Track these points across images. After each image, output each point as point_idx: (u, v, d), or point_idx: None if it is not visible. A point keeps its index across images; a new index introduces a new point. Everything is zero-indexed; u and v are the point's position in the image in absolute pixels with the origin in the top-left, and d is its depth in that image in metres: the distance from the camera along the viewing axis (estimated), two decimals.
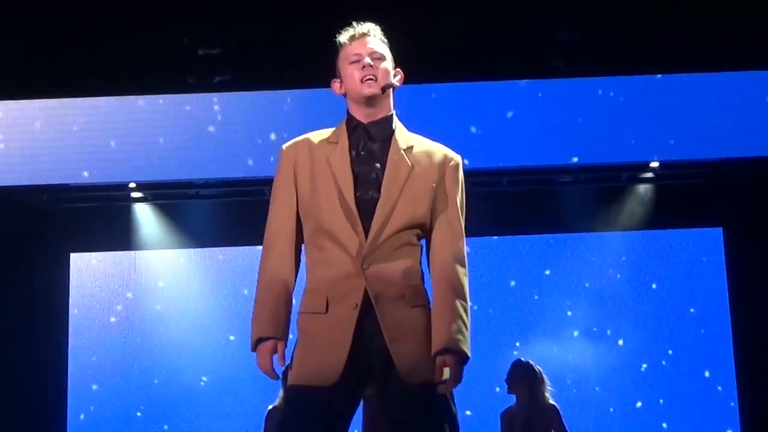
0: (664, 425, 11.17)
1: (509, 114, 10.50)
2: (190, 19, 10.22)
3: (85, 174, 10.54)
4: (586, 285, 11.39)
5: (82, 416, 11.09)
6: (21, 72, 10.09)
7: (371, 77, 4.02)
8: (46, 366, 10.98)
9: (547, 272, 11.47)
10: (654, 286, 11.41)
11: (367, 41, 4.10)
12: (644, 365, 11.32)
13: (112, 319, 11.28)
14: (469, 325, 3.98)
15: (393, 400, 3.95)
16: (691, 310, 11.27)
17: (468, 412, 9.40)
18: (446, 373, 3.87)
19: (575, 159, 10.53)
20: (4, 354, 10.70)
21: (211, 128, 10.51)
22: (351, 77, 4.04)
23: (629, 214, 11.36)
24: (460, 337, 3.92)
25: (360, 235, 3.92)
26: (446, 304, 3.95)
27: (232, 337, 10.82)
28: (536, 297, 11.40)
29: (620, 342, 11.35)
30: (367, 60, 4.04)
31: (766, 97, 10.39)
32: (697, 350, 11.24)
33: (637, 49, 10.39)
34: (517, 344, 11.17)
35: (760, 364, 10.80)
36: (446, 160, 4.10)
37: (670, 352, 11.28)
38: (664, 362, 11.28)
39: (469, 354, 3.94)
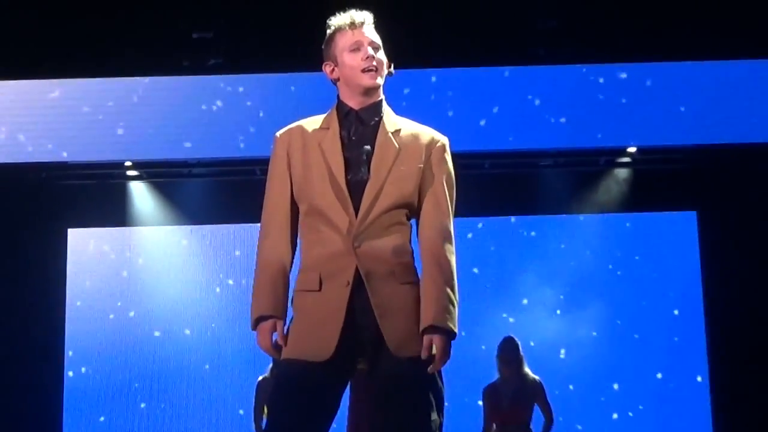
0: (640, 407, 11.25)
1: (493, 103, 10.50)
2: (184, 3, 10.23)
3: (82, 152, 10.53)
4: (571, 264, 11.41)
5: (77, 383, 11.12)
6: (22, 54, 10.14)
7: (372, 68, 4.01)
8: (43, 333, 10.98)
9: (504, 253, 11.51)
10: (621, 270, 11.43)
11: (365, 30, 4.06)
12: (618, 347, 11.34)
13: (107, 293, 11.25)
14: (456, 302, 3.96)
15: (382, 374, 3.94)
16: (666, 293, 11.26)
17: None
18: (433, 350, 3.87)
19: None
20: (4, 323, 10.71)
21: (204, 107, 10.52)
22: (351, 66, 4.02)
23: (607, 197, 11.39)
24: (447, 314, 3.90)
25: (351, 215, 3.93)
26: (433, 282, 3.93)
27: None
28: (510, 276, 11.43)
29: (592, 322, 11.34)
30: (370, 51, 4.03)
31: (740, 85, 10.39)
32: (670, 327, 11.28)
33: (617, 38, 10.45)
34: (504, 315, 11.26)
35: (732, 344, 10.84)
36: (433, 141, 4.08)
37: (637, 336, 11.31)
38: (636, 335, 11.33)
39: (456, 330, 3.92)
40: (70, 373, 11.13)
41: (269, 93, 10.00)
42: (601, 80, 10.59)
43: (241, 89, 10.47)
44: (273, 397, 4.05)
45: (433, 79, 10.46)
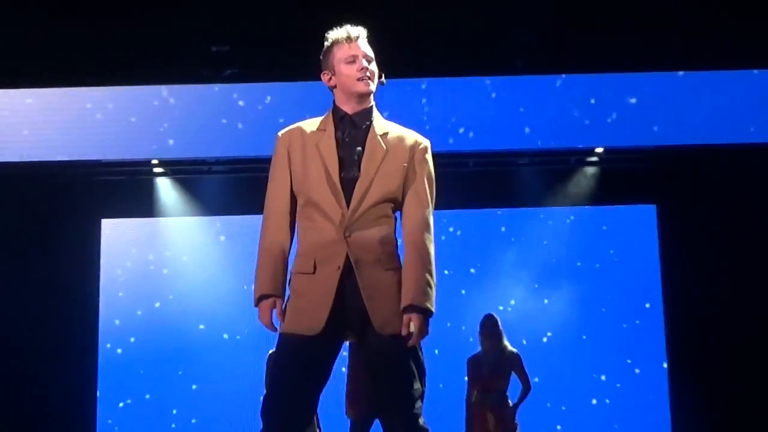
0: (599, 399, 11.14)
1: (477, 107, 10.49)
2: (204, 20, 10.25)
3: (114, 152, 10.55)
4: (545, 251, 11.36)
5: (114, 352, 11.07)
6: (66, 66, 10.16)
7: (366, 77, 4.05)
8: (80, 312, 11.00)
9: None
10: (589, 258, 11.39)
11: (359, 44, 4.09)
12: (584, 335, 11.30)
13: (136, 278, 11.24)
14: (434, 284, 4.01)
15: (369, 349, 4.00)
16: (629, 285, 11.23)
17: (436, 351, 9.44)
18: (412, 327, 3.91)
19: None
20: (46, 301, 10.66)
21: (220, 112, 10.54)
22: (347, 75, 4.05)
23: (577, 191, 11.39)
24: (425, 295, 3.95)
25: (343, 208, 3.97)
26: (413, 267, 3.98)
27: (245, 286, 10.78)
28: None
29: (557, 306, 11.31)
30: (364, 62, 4.05)
31: (695, 94, 10.39)
32: (628, 305, 11.25)
33: (585, 52, 10.43)
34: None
35: (689, 327, 10.87)
36: (416, 144, 4.12)
37: (603, 309, 11.28)
38: (604, 309, 11.27)
39: (433, 309, 3.98)
40: (108, 345, 11.09)
41: (277, 99, 9.99)
42: (571, 88, 10.55)
43: (252, 96, 10.45)
44: (272, 366, 4.16)
45: (423, 86, 10.42)
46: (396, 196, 4.06)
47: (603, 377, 11.10)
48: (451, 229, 11.27)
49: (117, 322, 11.10)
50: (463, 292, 11.19)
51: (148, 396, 11.05)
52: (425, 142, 4.15)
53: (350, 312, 3.96)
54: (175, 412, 11.05)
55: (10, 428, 10.52)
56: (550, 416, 10.87)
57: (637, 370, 11.09)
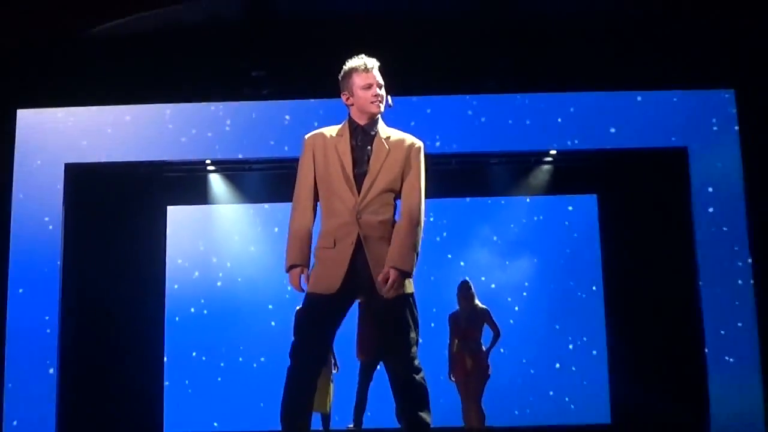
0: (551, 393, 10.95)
1: (459, 117, 10.52)
2: (245, 52, 10.33)
3: (177, 154, 10.58)
4: (494, 238, 11.34)
5: (177, 318, 11.06)
6: (139, 86, 10.32)
7: (378, 101, 4.12)
8: (149, 282, 11.01)
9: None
10: (543, 236, 11.28)
11: (374, 73, 4.15)
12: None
13: (194, 253, 11.28)
14: (417, 249, 4.04)
15: (375, 308, 4.07)
16: (574, 262, 11.21)
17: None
18: (389, 282, 3.94)
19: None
20: (122, 273, 10.80)
21: (258, 123, 10.49)
22: (364, 98, 4.11)
23: (535, 183, 11.42)
24: (406, 257, 3.99)
25: (356, 196, 4.04)
26: (400, 236, 4.03)
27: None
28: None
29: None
30: (377, 90, 4.12)
31: (628, 107, 10.40)
32: (574, 275, 11.13)
33: (545, 74, 10.47)
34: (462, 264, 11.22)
35: (627, 300, 10.82)
36: (412, 144, 4.17)
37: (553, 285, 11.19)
38: (557, 281, 11.24)
39: (410, 270, 4.01)
40: (177, 318, 11.09)
41: (303, 113, 10.00)
42: (532, 103, 10.54)
43: (285, 110, 10.45)
44: (298, 318, 4.17)
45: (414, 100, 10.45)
46: (396, 187, 4.11)
47: (553, 325, 11.01)
48: (432, 218, 11.25)
49: (176, 286, 11.08)
50: (449, 255, 11.19)
51: (204, 358, 11.03)
52: (419, 143, 4.20)
53: (361, 277, 4.02)
54: (222, 364, 11.01)
55: (95, 380, 10.55)
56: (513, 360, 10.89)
57: (575, 323, 11.05)
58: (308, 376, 4.05)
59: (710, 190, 10.17)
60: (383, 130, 4.20)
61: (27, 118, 10.40)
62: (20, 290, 9.97)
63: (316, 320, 4.06)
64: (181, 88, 10.39)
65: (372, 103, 4.12)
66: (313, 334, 4.06)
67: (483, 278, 10.81)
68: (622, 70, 10.26)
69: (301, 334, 4.08)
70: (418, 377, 4.04)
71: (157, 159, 10.62)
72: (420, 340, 4.20)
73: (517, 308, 11.04)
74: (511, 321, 10.71)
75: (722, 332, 9.86)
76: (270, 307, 11.02)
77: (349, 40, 9.21)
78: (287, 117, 10.25)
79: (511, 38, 10.26)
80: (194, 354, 10.98)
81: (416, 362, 4.05)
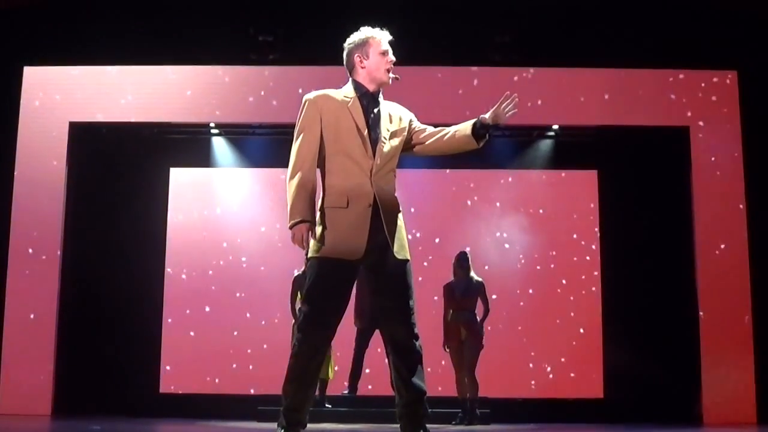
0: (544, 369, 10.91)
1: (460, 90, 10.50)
2: (254, 16, 10.33)
3: (181, 116, 10.60)
4: (498, 204, 11.25)
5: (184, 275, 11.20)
6: (147, 47, 10.37)
7: (391, 70, 4.13)
8: (152, 237, 11.01)
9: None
10: (544, 210, 11.15)
11: (389, 46, 4.16)
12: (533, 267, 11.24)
13: (195, 213, 11.24)
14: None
15: (385, 269, 3.99)
16: (574, 236, 11.17)
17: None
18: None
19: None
20: (129, 228, 10.83)
21: (264, 87, 10.53)
22: (379, 64, 4.11)
23: (536, 157, 11.41)
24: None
25: (371, 158, 4.00)
26: (454, 129, 4.16)
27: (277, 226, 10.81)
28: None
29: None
30: (393, 58, 4.15)
31: (632, 88, 10.42)
32: (574, 246, 11.08)
33: (548, 50, 10.46)
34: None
35: (620, 260, 10.88)
36: (409, 113, 4.24)
37: (554, 252, 11.11)
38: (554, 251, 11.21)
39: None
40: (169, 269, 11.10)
41: (309, 79, 9.95)
42: (536, 78, 10.54)
43: (289, 76, 10.44)
44: (311, 286, 3.98)
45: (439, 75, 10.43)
46: (398, 154, 4.14)
47: (548, 298, 10.92)
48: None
49: (181, 235, 11.04)
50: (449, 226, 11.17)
51: (207, 309, 11.01)
52: (411, 112, 4.27)
53: (376, 241, 3.96)
54: (227, 295, 10.93)
55: (102, 325, 10.63)
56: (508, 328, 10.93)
57: (571, 297, 10.95)
58: (323, 346, 4.00)
59: (711, 169, 10.23)
60: (384, 99, 4.21)
61: (33, 75, 10.43)
62: (27, 249, 10.13)
63: (335, 287, 3.96)
64: (188, 51, 10.45)
65: (386, 69, 4.11)
66: (333, 301, 3.96)
67: (480, 251, 10.74)
68: (626, 49, 10.27)
69: (319, 301, 3.95)
70: (417, 344, 4.00)
71: (162, 120, 10.63)
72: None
73: (508, 275, 10.95)
74: (497, 293, 10.66)
75: (718, 307, 10.00)
76: (262, 269, 10.99)
77: (355, 7, 9.26)
78: (293, 83, 10.23)
79: (515, 15, 10.30)
80: (188, 311, 10.96)
81: (416, 329, 4.00)
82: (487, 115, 4.09)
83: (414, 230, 10.63)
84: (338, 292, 3.97)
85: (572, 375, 10.79)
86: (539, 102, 10.42)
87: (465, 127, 4.11)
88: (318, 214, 4.01)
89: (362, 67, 4.12)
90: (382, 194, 3.98)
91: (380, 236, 3.96)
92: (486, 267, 10.35)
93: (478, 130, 4.09)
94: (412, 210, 10.66)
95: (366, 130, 4.02)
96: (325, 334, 3.98)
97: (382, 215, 3.96)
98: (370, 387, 9.80)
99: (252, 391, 10.52)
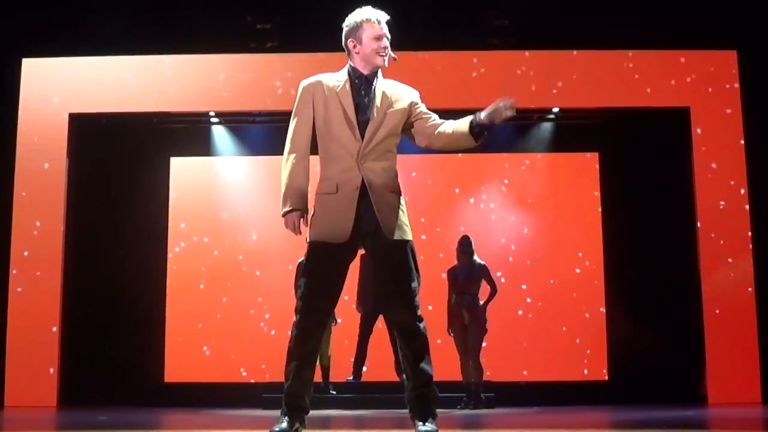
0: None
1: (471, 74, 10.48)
2: (252, 4, 10.26)
3: (182, 105, 10.60)
4: (503, 188, 11.33)
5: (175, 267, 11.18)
6: (145, 37, 10.35)
7: (385, 54, 4.08)
8: (155, 220, 11.06)
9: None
10: (546, 191, 11.20)
11: (384, 27, 4.10)
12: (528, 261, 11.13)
13: (196, 201, 11.25)
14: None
15: (379, 251, 3.98)
16: (576, 218, 11.06)
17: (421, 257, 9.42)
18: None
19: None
20: (131, 212, 10.86)
21: (262, 75, 10.50)
22: (371, 48, 4.06)
23: (537, 139, 11.39)
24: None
25: (359, 141, 3.98)
26: (453, 121, 4.09)
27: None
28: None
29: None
30: (386, 42, 4.08)
31: (632, 69, 10.39)
32: (575, 226, 11.06)
33: (547, 34, 10.43)
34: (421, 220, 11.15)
35: (620, 237, 10.91)
36: (412, 92, 4.18)
37: (556, 235, 11.07)
38: (555, 234, 11.19)
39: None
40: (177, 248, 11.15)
41: (307, 66, 9.91)
42: (535, 60, 10.52)
43: (287, 64, 10.41)
44: (305, 271, 4.02)
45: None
46: (397, 134, 4.09)
47: (551, 281, 10.99)
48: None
49: (182, 225, 11.11)
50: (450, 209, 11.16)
51: (210, 297, 11.03)
52: (416, 91, 4.21)
53: (366, 223, 3.95)
54: (230, 284, 11.00)
55: (105, 315, 10.66)
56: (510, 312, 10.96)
57: (574, 279, 10.95)
58: (317, 329, 4.00)
59: (712, 149, 10.22)
60: (382, 80, 4.15)
61: (32, 67, 10.42)
62: (29, 239, 10.13)
63: (325, 270, 3.98)
64: (186, 40, 10.42)
65: (379, 54, 4.06)
66: (323, 284, 3.97)
67: (481, 235, 10.70)
68: (626, 30, 10.24)
69: (310, 285, 3.97)
70: (421, 326, 3.97)
71: (162, 110, 10.61)
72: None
73: (511, 259, 11.02)
74: (500, 277, 10.63)
75: (721, 287, 9.98)
76: (265, 257, 11.02)
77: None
78: (291, 70, 10.21)
79: None
80: (191, 300, 10.93)
81: (419, 311, 3.97)
82: (482, 115, 4.00)
83: (417, 216, 10.64)
84: (329, 275, 3.97)
85: (576, 357, 10.80)
86: (539, 86, 10.40)
87: (462, 126, 4.04)
88: (314, 200, 4.04)
89: (356, 52, 4.10)
90: (372, 176, 3.96)
91: (371, 218, 3.96)
92: (487, 250, 10.34)
93: (475, 128, 4.03)
94: (406, 199, 10.64)
95: (354, 114, 4.00)
96: (317, 318, 3.98)
97: (373, 197, 3.95)
98: (374, 373, 9.81)
99: (256, 379, 10.56)
